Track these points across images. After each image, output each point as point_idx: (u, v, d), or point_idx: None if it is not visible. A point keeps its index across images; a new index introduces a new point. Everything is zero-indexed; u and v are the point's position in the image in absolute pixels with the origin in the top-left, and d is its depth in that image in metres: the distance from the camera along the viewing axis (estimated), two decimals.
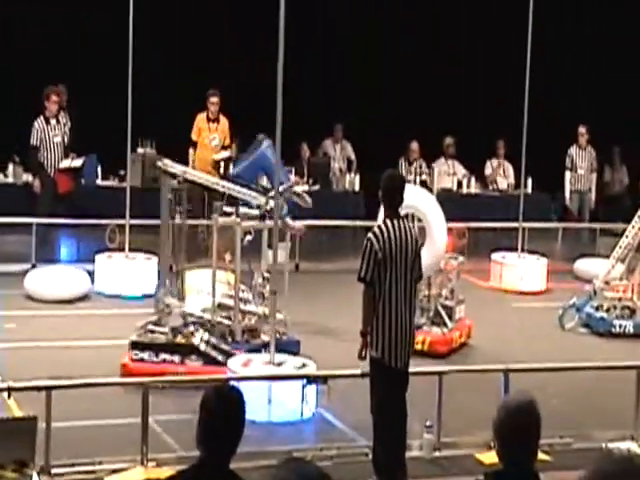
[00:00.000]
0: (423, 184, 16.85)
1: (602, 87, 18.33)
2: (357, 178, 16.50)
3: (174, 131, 15.27)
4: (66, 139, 14.01)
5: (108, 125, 13.51)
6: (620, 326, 11.75)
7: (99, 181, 15.17)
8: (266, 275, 10.15)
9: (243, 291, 10.02)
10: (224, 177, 14.15)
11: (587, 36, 18.43)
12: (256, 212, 10.07)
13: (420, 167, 17.07)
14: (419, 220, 10.58)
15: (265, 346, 9.03)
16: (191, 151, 14.40)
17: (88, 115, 14.20)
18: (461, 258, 11.31)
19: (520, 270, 13.90)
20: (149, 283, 12.20)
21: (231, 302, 9.87)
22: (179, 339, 9.38)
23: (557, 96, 17.39)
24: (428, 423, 7.74)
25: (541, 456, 7.07)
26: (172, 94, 16.02)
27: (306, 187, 15.77)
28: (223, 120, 14.41)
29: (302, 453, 7.30)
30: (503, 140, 17.11)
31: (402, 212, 10.18)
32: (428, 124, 16.62)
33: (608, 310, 11.91)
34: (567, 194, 17.04)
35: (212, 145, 14.31)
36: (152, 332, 9.44)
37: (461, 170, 17.38)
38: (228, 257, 10.09)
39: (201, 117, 14.35)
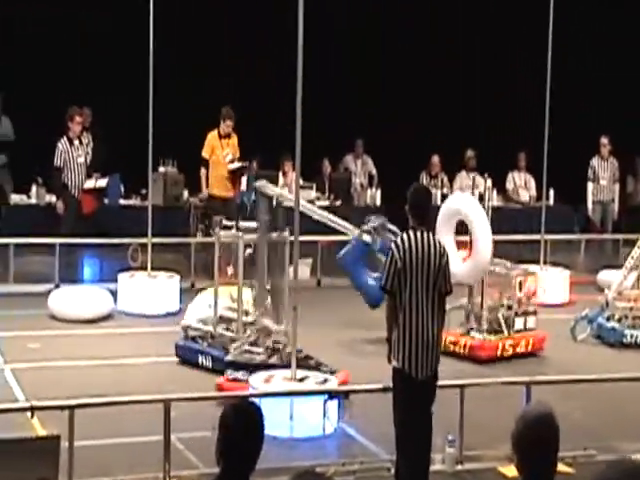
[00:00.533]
0: (444, 197, 16.90)
1: (624, 97, 18.29)
2: (378, 193, 16.52)
3: (195, 150, 15.39)
4: (88, 159, 14.13)
5: (130, 144, 13.64)
6: (631, 336, 11.65)
7: (122, 200, 15.26)
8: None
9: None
10: (239, 187, 14.39)
11: (609, 45, 18.40)
12: (254, 225, 10.10)
13: (442, 180, 17.10)
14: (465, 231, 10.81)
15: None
16: (203, 170, 14.45)
17: (110, 134, 14.34)
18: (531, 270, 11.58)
19: (543, 282, 13.86)
20: (172, 301, 12.28)
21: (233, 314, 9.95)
22: (274, 359, 9.45)
23: (579, 106, 17.36)
24: (450, 437, 7.74)
25: (564, 468, 7.11)
26: (191, 112, 16.14)
27: (327, 202, 15.89)
28: (233, 135, 14.50)
29: (324, 468, 7.30)
30: (524, 152, 17.09)
31: (452, 220, 10.58)
32: (449, 137, 16.65)
33: (620, 320, 11.82)
34: (589, 205, 17.00)
35: (226, 161, 14.39)
36: (249, 352, 9.54)
37: (483, 183, 17.31)
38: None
39: (213, 135, 14.43)
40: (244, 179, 14.50)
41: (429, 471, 7.07)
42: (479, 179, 17.28)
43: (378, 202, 16.38)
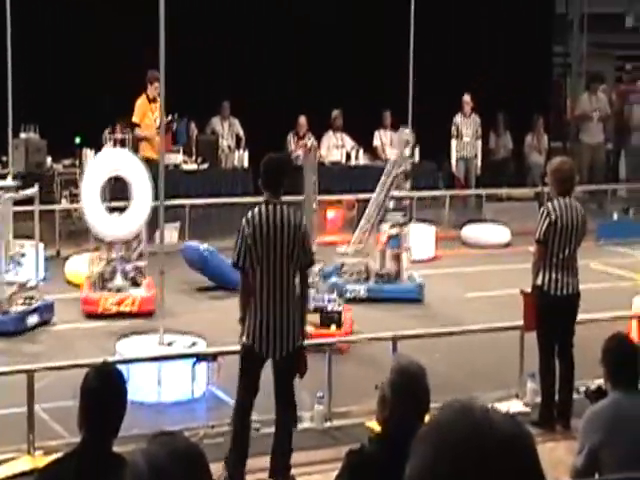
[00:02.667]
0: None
1: (485, 54, 18.61)
2: (246, 155, 16.49)
3: (58, 115, 15.10)
4: None
5: None
6: (352, 291, 11.50)
7: None
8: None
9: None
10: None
11: (467, 3, 18.66)
12: None
13: (309, 140, 17.17)
14: None
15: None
16: (138, 131, 14.19)
17: None
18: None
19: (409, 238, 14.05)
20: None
21: None
22: None
23: (441, 65, 17.58)
24: (319, 394, 7.85)
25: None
26: (53, 78, 15.82)
27: (195, 166, 15.80)
28: (159, 99, 14.36)
29: (193, 432, 7.33)
30: (389, 111, 17.26)
31: (106, 175, 10.79)
32: (315, 98, 16.70)
33: (345, 274, 11.71)
34: (453, 162, 17.31)
35: (157, 123, 14.26)
36: None
37: (349, 142, 17.50)
38: None
39: (142, 100, 14.31)
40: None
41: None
42: (345, 138, 17.50)
43: (246, 164, 16.35)
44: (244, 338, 6.79)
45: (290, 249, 6.71)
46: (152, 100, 14.22)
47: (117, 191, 11.48)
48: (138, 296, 10.81)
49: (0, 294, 10.10)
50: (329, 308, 10.10)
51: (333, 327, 9.92)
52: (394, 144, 17.58)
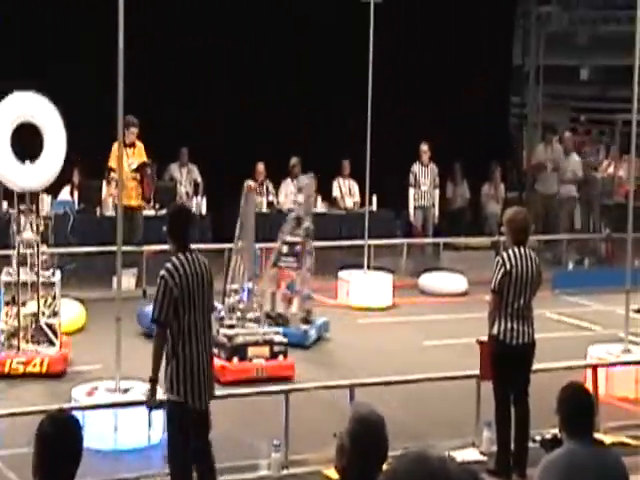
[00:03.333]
0: (270, 205, 17.05)
1: (443, 105, 18.80)
2: (204, 201, 16.51)
3: None
4: None
5: None
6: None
7: None
8: None
9: None
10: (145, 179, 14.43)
11: (426, 54, 18.87)
12: None
13: (267, 188, 17.23)
14: None
15: None
16: (113, 175, 14.05)
17: None
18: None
19: (366, 287, 14.13)
20: None
21: None
22: None
23: (398, 114, 17.73)
24: (276, 442, 7.82)
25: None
26: None
27: (153, 212, 15.77)
28: (139, 144, 14.31)
29: (149, 479, 7.28)
30: (348, 160, 17.39)
31: (15, 121, 10.06)
32: (274, 145, 16.78)
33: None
34: (411, 210, 17.41)
35: (131, 169, 14.23)
36: None
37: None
38: None
39: (118, 145, 14.03)
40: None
41: None
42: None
43: (204, 210, 16.36)
44: (172, 395, 6.60)
45: (209, 295, 6.78)
46: (128, 145, 14.14)
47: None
48: (47, 356, 10.10)
49: None
50: (276, 340, 10.49)
51: (281, 358, 10.38)
52: (352, 192, 17.77)
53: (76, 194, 15.90)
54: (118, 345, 8.52)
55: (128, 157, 14.18)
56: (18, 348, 10.17)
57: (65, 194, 15.83)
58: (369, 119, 14.03)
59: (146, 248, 14.13)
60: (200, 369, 6.61)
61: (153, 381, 6.66)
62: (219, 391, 7.86)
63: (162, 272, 6.62)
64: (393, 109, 17.20)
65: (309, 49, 17.83)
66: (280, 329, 11.07)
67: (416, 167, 17.40)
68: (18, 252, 10.46)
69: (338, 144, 17.02)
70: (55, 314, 10.45)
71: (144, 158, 14.57)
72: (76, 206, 15.54)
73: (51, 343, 10.32)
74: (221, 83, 17.65)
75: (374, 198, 16.45)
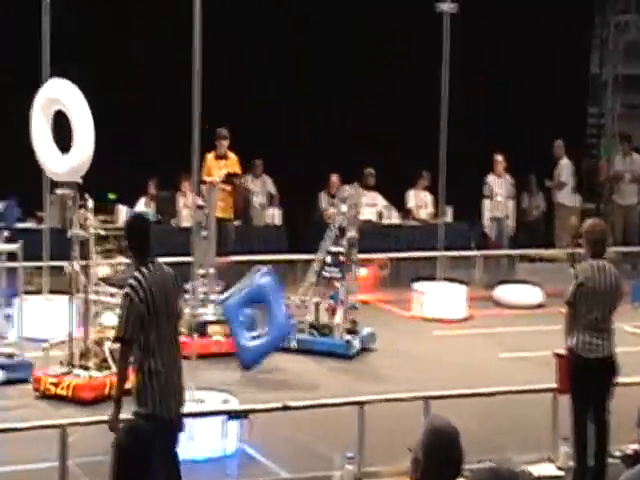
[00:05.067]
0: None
1: (518, 115, 18.65)
2: (278, 212, 16.58)
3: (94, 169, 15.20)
4: None
5: (25, 166, 13.40)
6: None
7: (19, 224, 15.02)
8: None
9: None
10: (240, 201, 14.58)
11: (501, 64, 18.76)
12: None
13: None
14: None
15: None
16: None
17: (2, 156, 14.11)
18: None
19: (441, 298, 14.04)
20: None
21: None
22: None
23: (473, 125, 17.64)
24: (349, 454, 7.79)
25: None
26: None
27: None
28: (232, 156, 14.27)
29: None
30: (424, 171, 17.33)
31: (50, 109, 9.98)
32: (348, 156, 16.78)
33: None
34: (486, 222, 17.29)
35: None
36: None
37: (381, 201, 17.58)
38: None
39: (210, 157, 14.12)
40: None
41: None
42: (377, 197, 17.56)
43: (278, 222, 16.43)
44: (140, 408, 6.36)
45: (176, 304, 6.63)
46: (220, 157, 14.19)
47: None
48: (73, 381, 9.83)
49: None
50: None
51: None
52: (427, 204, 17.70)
53: (152, 205, 16.08)
54: (193, 356, 8.58)
55: (220, 169, 14.16)
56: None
57: (141, 205, 16.02)
58: (444, 130, 13.96)
59: (218, 259, 14.14)
60: (167, 379, 6.42)
61: (116, 401, 6.45)
62: (292, 402, 7.91)
63: (126, 289, 6.42)
64: (467, 120, 17.10)
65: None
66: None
67: (491, 178, 17.27)
68: None
69: (413, 155, 16.96)
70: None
71: (236, 169, 14.51)
72: (153, 217, 15.67)
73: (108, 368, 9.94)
74: (294, 96, 17.65)
75: (449, 209, 16.36)
